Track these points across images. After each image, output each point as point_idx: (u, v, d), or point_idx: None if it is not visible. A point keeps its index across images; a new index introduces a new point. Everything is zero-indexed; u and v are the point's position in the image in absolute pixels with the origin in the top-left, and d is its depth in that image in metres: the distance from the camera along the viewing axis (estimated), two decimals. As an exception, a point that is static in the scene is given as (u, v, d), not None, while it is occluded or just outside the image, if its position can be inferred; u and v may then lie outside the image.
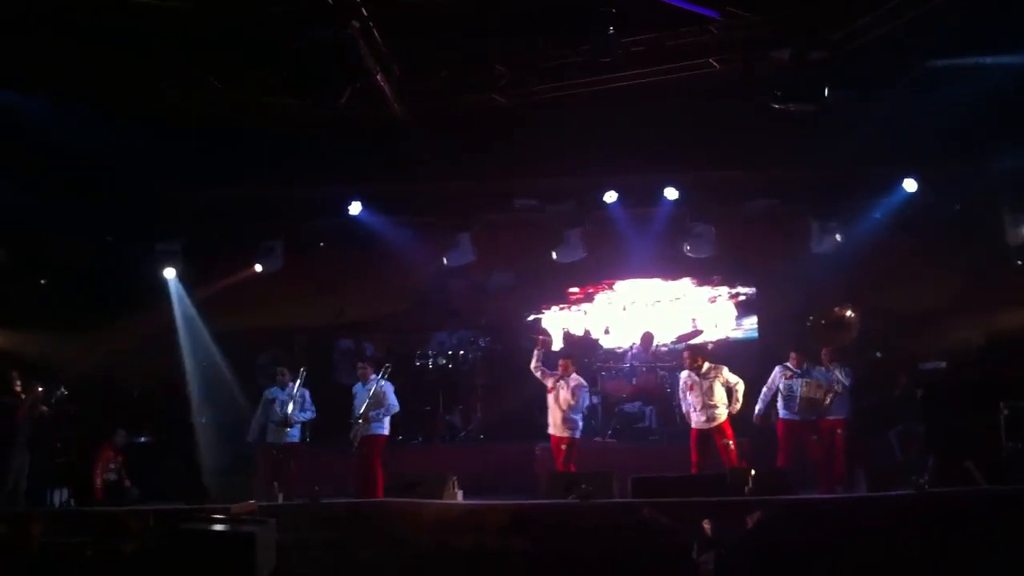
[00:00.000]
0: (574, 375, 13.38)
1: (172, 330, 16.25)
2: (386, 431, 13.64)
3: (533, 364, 13.47)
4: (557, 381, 13.27)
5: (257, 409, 14.02)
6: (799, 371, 13.43)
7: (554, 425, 13.32)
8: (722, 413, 12.96)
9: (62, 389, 14.28)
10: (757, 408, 13.47)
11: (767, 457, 13.35)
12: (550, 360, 13.79)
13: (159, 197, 15.71)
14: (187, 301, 16.39)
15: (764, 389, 13.54)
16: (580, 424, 13.41)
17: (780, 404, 13.44)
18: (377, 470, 13.26)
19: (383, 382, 13.62)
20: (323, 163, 14.39)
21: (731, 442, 12.88)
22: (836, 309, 15.91)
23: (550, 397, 13.31)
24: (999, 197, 15.01)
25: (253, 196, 15.88)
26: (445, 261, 16.27)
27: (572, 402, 13.17)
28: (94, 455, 13.69)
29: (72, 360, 15.48)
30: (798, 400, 13.28)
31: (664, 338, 16.93)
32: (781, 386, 13.42)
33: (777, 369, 13.52)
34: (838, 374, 13.37)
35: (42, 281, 16.34)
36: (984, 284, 15.46)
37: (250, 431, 13.87)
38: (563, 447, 13.20)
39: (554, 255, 16.09)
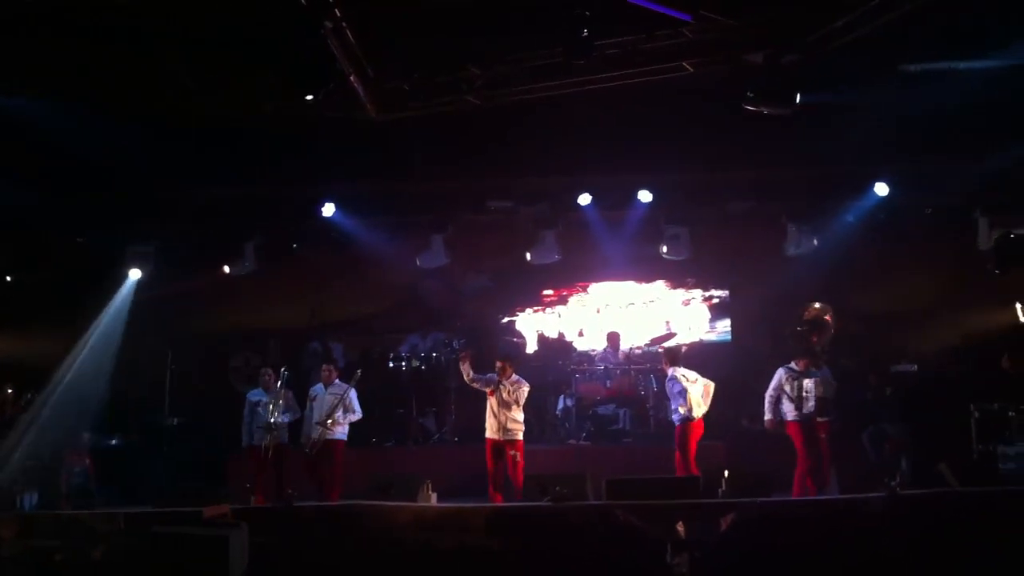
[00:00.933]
0: (513, 375, 13.10)
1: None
2: (346, 437, 13.61)
3: (468, 378, 13.15)
4: (498, 384, 12.97)
5: (244, 412, 13.85)
6: (805, 372, 13.21)
7: (498, 429, 12.86)
8: (676, 415, 13.24)
9: (30, 394, 14.18)
10: (767, 414, 13.32)
11: (741, 460, 13.36)
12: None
13: (132, 196, 15.60)
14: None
15: (770, 392, 13.27)
16: (523, 426, 13.10)
17: (788, 407, 13.15)
18: (338, 479, 13.25)
19: (350, 387, 13.58)
20: (296, 164, 14.35)
21: (678, 449, 13.10)
22: (813, 309, 15.92)
23: (491, 401, 12.95)
24: (971, 200, 15.11)
25: (226, 197, 15.81)
26: (418, 263, 16.24)
27: (515, 403, 12.90)
28: (59, 458, 13.52)
29: (46, 361, 15.39)
30: (813, 400, 13.02)
31: (638, 340, 16.94)
32: (788, 388, 13.20)
33: (780, 371, 13.31)
34: (828, 376, 13.34)
35: (8, 278, 16.13)
36: (956, 287, 15.55)
37: (243, 436, 13.72)
38: (511, 452, 12.79)
39: (528, 256, 16.09)
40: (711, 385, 13.35)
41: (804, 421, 13.00)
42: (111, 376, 15.55)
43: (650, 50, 11.81)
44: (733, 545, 10.44)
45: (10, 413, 13.78)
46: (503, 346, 16.64)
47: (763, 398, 13.42)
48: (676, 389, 13.22)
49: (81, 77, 12.22)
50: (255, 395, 13.81)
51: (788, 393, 13.11)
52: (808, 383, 13.05)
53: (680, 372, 13.36)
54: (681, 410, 13.13)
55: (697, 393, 13.20)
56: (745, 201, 15.76)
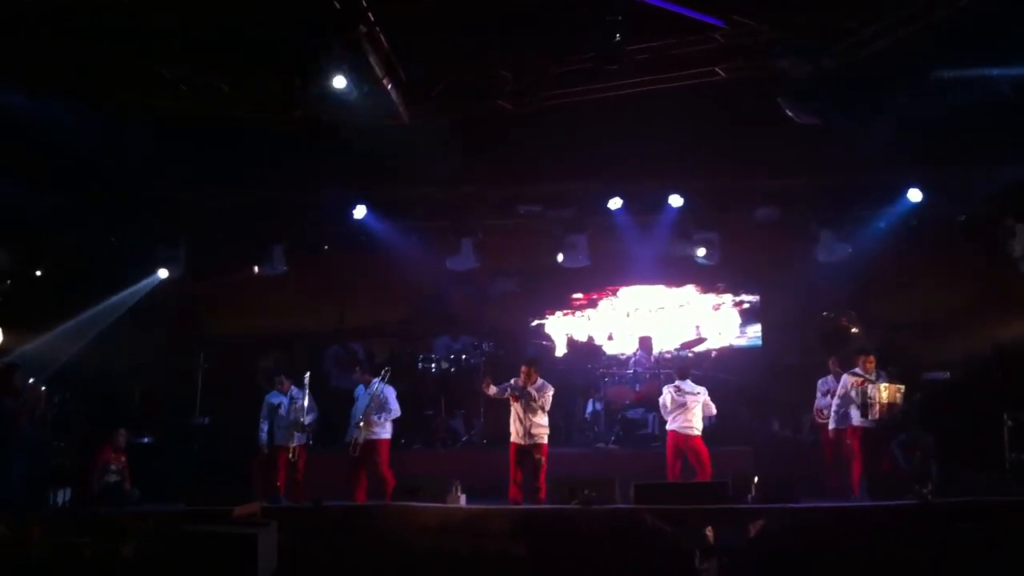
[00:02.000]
0: (538, 380, 12.99)
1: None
2: (389, 435, 13.56)
3: (493, 392, 13.09)
4: (523, 390, 12.89)
5: (262, 413, 13.93)
6: (872, 376, 13.04)
7: (523, 434, 12.80)
8: None
9: (66, 393, 14.31)
10: (831, 421, 13.30)
11: (770, 465, 13.33)
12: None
13: (163, 198, 15.74)
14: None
15: (836, 399, 13.18)
16: (548, 429, 13.01)
17: (854, 413, 12.97)
18: (387, 473, 13.21)
19: (384, 386, 13.59)
20: (328, 167, 14.42)
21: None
22: (839, 317, 15.84)
23: (516, 406, 12.88)
24: (1004, 207, 15.00)
25: (258, 199, 15.90)
26: (448, 265, 16.27)
27: (541, 408, 12.82)
28: (93, 456, 13.62)
29: (75, 360, 15.54)
30: (877, 406, 12.75)
31: (668, 345, 16.92)
32: (854, 393, 12.97)
33: (845, 377, 13.15)
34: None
35: (37, 273, 16.27)
36: (988, 294, 15.45)
37: (260, 436, 13.80)
38: (536, 455, 12.73)
39: (560, 257, 16.11)
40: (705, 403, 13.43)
41: (869, 428, 12.86)
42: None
43: (682, 55, 11.81)
44: (762, 551, 10.42)
45: (42, 411, 13.88)
46: (529, 350, 16.68)
47: (792, 404, 13.41)
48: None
49: (96, 78, 12.29)
50: (274, 397, 13.88)
51: (855, 399, 12.95)
52: (871, 388, 12.86)
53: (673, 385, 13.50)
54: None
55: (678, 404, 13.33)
56: (775, 206, 15.69)
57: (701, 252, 15.94)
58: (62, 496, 12.83)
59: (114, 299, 16.25)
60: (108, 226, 16.01)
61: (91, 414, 14.92)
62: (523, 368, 13.05)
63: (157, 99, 12.67)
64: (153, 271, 16.25)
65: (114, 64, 12.05)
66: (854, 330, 15.58)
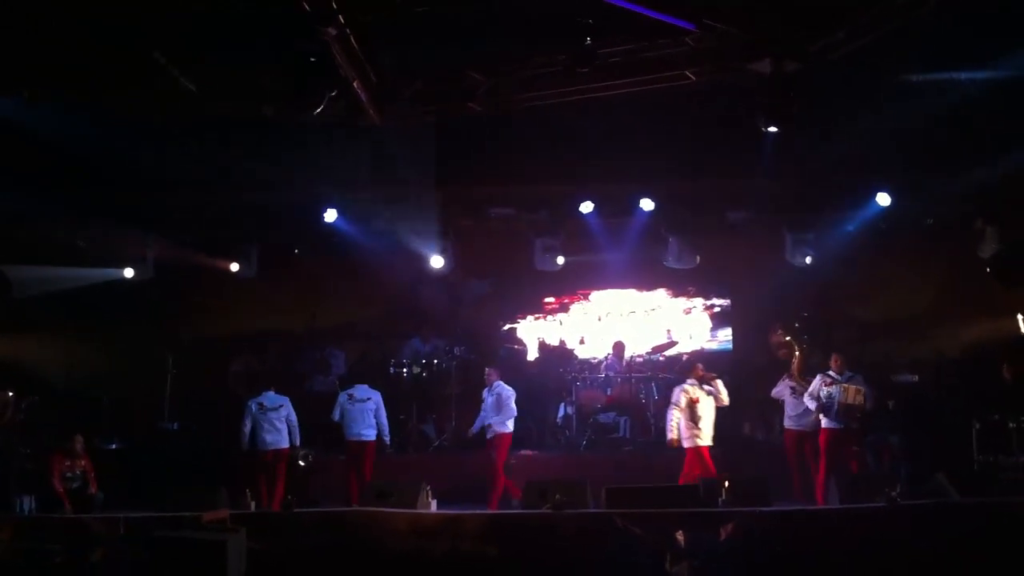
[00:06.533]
0: None
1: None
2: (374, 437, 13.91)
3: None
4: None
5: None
6: (841, 377, 13.22)
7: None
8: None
9: (34, 398, 14.17)
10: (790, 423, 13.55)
11: (741, 468, 13.35)
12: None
13: (132, 199, 15.59)
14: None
15: (807, 399, 13.35)
16: None
17: (822, 413, 13.18)
18: (368, 475, 13.49)
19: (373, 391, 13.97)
20: (299, 169, 14.35)
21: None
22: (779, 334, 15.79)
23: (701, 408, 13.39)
24: (972, 210, 15.09)
25: (228, 201, 15.78)
26: (431, 262, 16.22)
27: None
28: (49, 462, 13.37)
29: (46, 365, 15.40)
30: (837, 407, 12.99)
31: (639, 349, 16.93)
32: (822, 394, 13.17)
33: (818, 377, 13.31)
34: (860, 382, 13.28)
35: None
36: (957, 297, 15.55)
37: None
38: None
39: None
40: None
41: (833, 429, 13.01)
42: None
43: (653, 58, 11.80)
44: (733, 554, 10.43)
45: (10, 416, 13.72)
46: (500, 352, 16.86)
47: (763, 407, 13.50)
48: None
49: (78, 77, 12.15)
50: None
51: (822, 399, 13.08)
52: (834, 390, 12.98)
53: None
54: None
55: None
56: (746, 210, 15.74)
57: (668, 258, 16.00)
58: (28, 503, 12.67)
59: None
60: (76, 226, 15.84)
61: (60, 420, 14.73)
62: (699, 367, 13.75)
63: (126, 96, 12.57)
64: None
65: (82, 61, 11.91)
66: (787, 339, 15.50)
